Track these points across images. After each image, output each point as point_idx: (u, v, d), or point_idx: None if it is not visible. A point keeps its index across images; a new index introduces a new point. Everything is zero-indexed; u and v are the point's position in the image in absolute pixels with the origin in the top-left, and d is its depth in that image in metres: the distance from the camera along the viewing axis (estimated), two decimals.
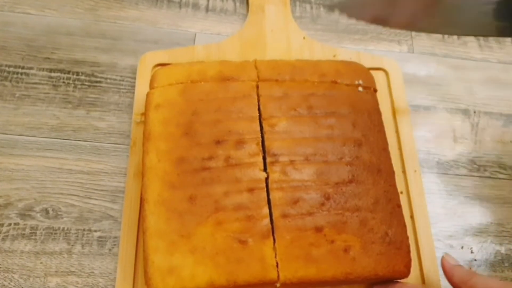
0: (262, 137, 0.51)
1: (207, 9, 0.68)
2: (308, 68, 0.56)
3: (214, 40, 0.65)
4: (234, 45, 0.63)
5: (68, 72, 0.61)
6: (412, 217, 0.55)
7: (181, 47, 0.63)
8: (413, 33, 0.69)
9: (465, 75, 0.66)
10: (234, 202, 0.47)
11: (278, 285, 0.46)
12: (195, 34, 0.66)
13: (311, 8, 0.70)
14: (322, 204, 0.48)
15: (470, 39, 0.69)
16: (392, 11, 0.46)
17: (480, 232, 0.56)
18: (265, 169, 0.50)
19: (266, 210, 0.47)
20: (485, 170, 0.60)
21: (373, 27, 0.69)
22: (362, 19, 0.52)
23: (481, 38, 0.69)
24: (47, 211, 0.53)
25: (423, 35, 0.69)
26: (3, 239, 0.52)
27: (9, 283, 0.50)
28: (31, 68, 0.61)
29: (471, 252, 0.55)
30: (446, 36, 0.69)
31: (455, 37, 0.69)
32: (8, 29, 0.63)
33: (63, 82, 0.60)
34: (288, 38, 0.65)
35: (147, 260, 0.45)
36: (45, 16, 0.65)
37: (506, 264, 0.55)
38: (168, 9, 0.67)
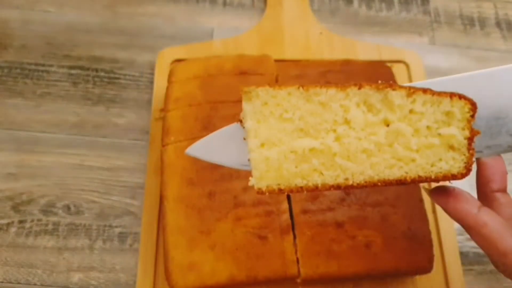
0: None
1: (224, 4, 0.68)
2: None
3: (232, 35, 0.64)
4: (252, 40, 0.63)
5: (88, 69, 0.62)
6: (434, 211, 0.54)
7: (199, 42, 0.63)
8: (435, 24, 0.67)
9: (489, 67, 0.65)
10: (254, 197, 0.47)
11: (298, 281, 0.45)
12: (213, 29, 0.65)
13: (330, 1, 0.69)
14: (343, 200, 0.48)
15: (494, 30, 0.67)
16: None
17: None
18: None
19: (285, 205, 0.47)
20: (509, 164, 0.59)
21: (393, 18, 0.67)
22: None
23: (505, 28, 0.68)
24: (68, 207, 0.54)
25: (444, 26, 0.67)
26: (26, 235, 0.52)
27: (33, 278, 0.50)
28: (51, 66, 0.61)
29: None
30: (468, 27, 0.68)
31: (477, 28, 0.68)
32: (28, 27, 0.64)
33: (83, 79, 0.61)
34: (306, 32, 0.64)
35: (167, 256, 0.45)
36: (64, 13, 0.65)
37: None
38: (186, 4, 0.67)
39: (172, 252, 0.45)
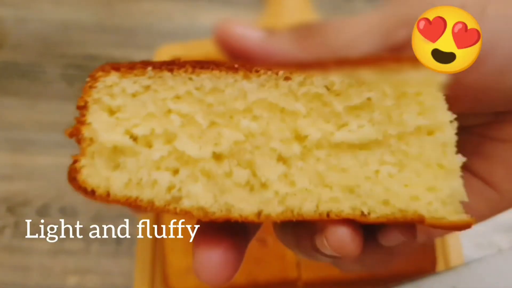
0: None
1: (223, 1, 0.67)
2: None
3: None
4: None
5: (84, 68, 0.61)
6: None
7: (197, 40, 0.62)
8: None
9: None
10: None
11: (299, 284, 0.45)
12: (211, 27, 0.64)
13: None
14: None
15: None
16: None
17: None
18: None
19: None
20: None
21: None
22: None
23: None
24: (64, 209, 0.53)
25: None
26: (22, 237, 0.51)
27: (29, 281, 0.50)
28: (46, 65, 0.61)
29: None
30: None
31: None
32: (24, 26, 0.63)
33: (79, 79, 0.60)
34: None
35: (165, 259, 0.45)
36: (60, 12, 0.64)
37: None
38: (183, 1, 0.66)
39: (170, 256, 0.44)
